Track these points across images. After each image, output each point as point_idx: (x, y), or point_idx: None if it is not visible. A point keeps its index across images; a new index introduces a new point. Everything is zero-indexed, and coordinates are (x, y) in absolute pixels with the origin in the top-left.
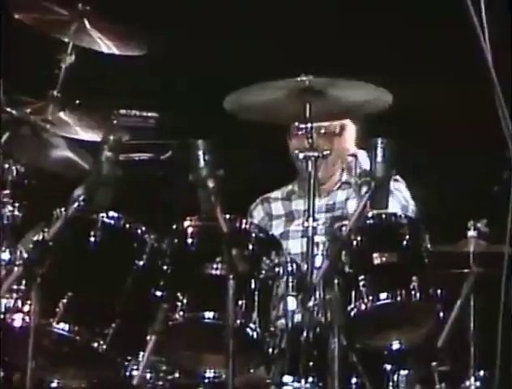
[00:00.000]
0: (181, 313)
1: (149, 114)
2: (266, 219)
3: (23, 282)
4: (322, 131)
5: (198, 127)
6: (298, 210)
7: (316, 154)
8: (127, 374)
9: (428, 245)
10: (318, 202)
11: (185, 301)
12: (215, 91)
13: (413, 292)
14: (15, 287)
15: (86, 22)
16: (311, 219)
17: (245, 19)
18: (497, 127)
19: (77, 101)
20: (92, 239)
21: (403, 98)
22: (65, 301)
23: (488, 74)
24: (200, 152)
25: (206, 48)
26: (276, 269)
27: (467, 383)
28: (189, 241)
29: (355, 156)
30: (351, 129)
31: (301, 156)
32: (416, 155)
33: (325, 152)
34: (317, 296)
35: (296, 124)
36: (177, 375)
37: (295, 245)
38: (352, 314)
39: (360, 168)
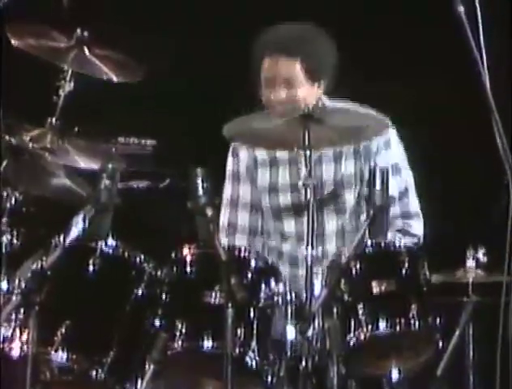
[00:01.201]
0: (180, 342)
1: (147, 142)
2: (252, 165)
3: (22, 310)
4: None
5: (197, 154)
6: (282, 158)
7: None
8: None
9: (427, 274)
10: None
11: (183, 329)
12: (213, 118)
13: (412, 321)
14: (13, 315)
15: (85, 49)
16: (309, 247)
17: (244, 46)
18: (494, 155)
19: (75, 129)
20: (91, 267)
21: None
22: (63, 329)
23: (487, 101)
24: (199, 180)
25: (204, 76)
26: (275, 298)
27: None
28: (188, 269)
29: None
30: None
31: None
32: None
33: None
34: (316, 324)
35: (267, 75)
36: None
37: (285, 198)
38: (351, 342)
39: None
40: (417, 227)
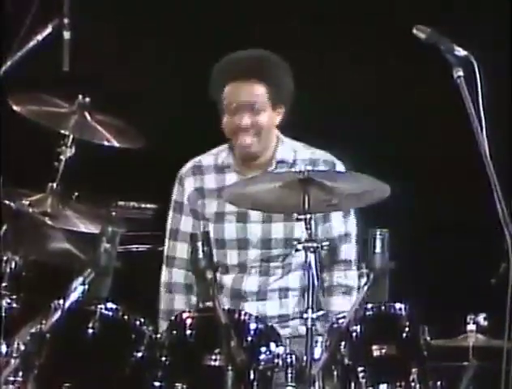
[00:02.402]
0: None
1: (147, 206)
2: (197, 195)
3: (20, 374)
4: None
5: None
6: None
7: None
8: None
9: (428, 338)
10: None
11: None
12: None
13: (413, 384)
14: (12, 378)
15: (86, 115)
16: (310, 310)
17: None
18: (495, 219)
19: (75, 193)
20: (90, 330)
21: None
22: None
23: (486, 166)
24: (199, 244)
25: (205, 138)
26: (275, 360)
27: None
28: (188, 332)
29: None
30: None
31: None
32: (415, 248)
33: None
34: (317, 387)
35: (231, 101)
36: None
37: (230, 230)
38: None
39: None
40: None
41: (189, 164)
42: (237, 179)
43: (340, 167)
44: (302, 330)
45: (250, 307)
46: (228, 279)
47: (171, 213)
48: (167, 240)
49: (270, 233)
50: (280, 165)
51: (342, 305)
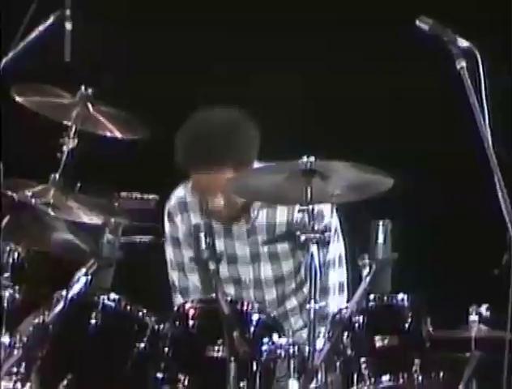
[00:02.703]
0: None
1: (150, 197)
2: (188, 232)
3: (23, 365)
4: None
5: None
6: (198, 224)
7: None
8: None
9: (430, 329)
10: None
11: (186, 383)
12: None
13: (415, 375)
14: (15, 369)
15: (89, 106)
16: (312, 301)
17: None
18: (497, 211)
19: (78, 184)
20: (93, 321)
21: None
22: (65, 383)
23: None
24: (202, 234)
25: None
26: (278, 351)
27: None
28: (191, 323)
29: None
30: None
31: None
32: (418, 239)
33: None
34: (319, 378)
35: (198, 189)
36: None
37: (223, 270)
38: None
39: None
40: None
41: (174, 200)
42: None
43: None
44: None
45: None
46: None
47: (168, 246)
48: (173, 271)
49: (260, 274)
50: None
51: (339, 304)
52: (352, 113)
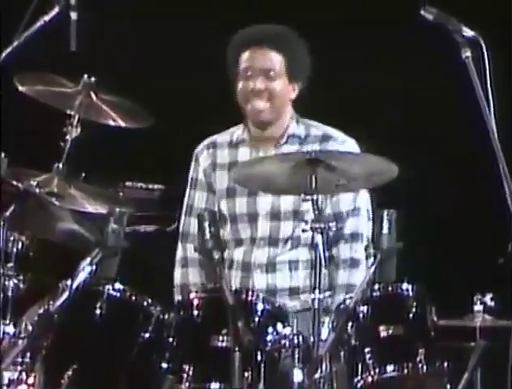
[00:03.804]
0: (187, 384)
1: (155, 186)
2: (210, 168)
3: (28, 354)
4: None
5: None
6: (223, 163)
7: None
8: None
9: (435, 318)
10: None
11: (190, 372)
12: None
13: (420, 365)
14: (20, 359)
15: (92, 94)
16: (317, 291)
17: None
18: (502, 200)
19: (83, 174)
20: (98, 311)
21: (408, 171)
22: (70, 372)
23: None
24: (206, 224)
25: (211, 121)
26: (282, 341)
27: None
28: (195, 313)
29: None
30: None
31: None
32: (423, 228)
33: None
34: (324, 368)
35: (247, 65)
36: None
37: (241, 204)
38: (359, 386)
39: None
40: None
41: (205, 142)
42: (250, 153)
43: (352, 144)
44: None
45: (260, 279)
46: (238, 253)
47: (187, 190)
48: (183, 215)
49: (280, 206)
50: (291, 140)
51: (348, 278)
52: (354, 102)
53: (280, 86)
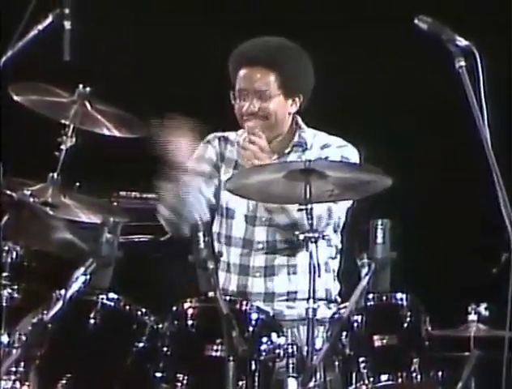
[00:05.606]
0: None
1: (149, 196)
2: (219, 157)
3: (22, 364)
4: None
5: None
6: (231, 158)
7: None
8: None
9: (429, 328)
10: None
11: (185, 382)
12: None
13: (414, 374)
14: (14, 369)
15: (87, 104)
16: (311, 300)
17: None
18: (496, 210)
19: (77, 183)
20: (92, 321)
21: (402, 181)
22: (64, 382)
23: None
24: (200, 234)
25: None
26: (277, 350)
27: None
28: (189, 322)
29: None
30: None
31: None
32: (417, 238)
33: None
34: (318, 377)
35: (241, 86)
36: None
37: (241, 202)
38: None
39: None
40: None
41: (216, 134)
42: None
43: (351, 150)
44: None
45: (258, 283)
46: (235, 256)
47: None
48: None
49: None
50: (296, 149)
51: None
52: (350, 111)
53: (275, 105)
